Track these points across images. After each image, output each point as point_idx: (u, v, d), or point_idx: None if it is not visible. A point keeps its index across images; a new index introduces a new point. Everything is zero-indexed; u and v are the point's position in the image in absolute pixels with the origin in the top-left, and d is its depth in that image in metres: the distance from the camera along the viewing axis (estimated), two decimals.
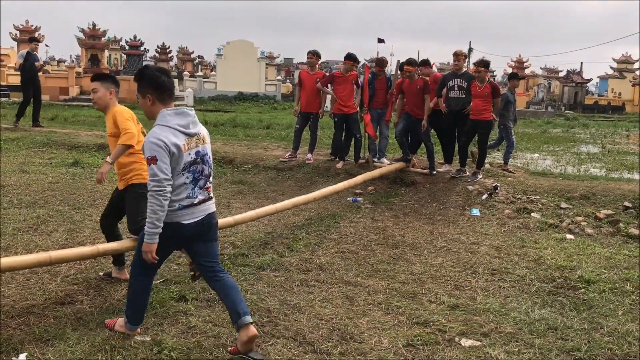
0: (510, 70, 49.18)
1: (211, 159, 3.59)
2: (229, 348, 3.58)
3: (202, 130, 3.54)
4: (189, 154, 3.37)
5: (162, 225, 3.33)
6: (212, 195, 3.58)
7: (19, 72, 13.31)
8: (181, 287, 4.52)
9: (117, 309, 4.10)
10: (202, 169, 3.46)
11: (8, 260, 3.75)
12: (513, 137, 9.79)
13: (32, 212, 6.55)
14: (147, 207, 3.30)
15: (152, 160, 3.24)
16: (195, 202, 3.43)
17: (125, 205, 4.53)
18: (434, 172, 8.78)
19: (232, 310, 3.51)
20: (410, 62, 8.83)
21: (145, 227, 3.35)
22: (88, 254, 4.25)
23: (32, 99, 13.04)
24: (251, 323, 3.48)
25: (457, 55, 8.70)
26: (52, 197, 7.31)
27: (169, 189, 3.27)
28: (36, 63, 12.89)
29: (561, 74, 51.31)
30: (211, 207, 3.56)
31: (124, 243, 4.37)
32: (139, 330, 3.72)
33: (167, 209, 3.30)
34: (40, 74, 13.47)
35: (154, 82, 3.44)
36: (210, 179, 3.55)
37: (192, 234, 3.47)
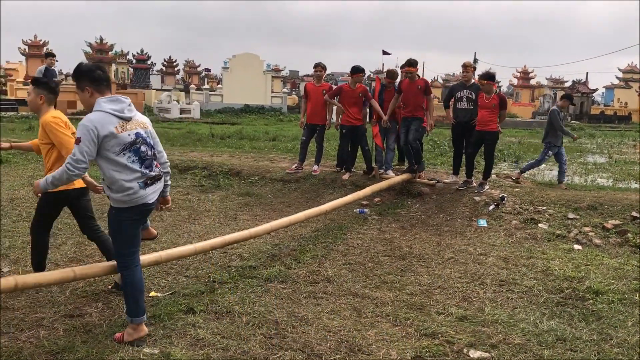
0: (515, 81, 49.27)
1: (157, 144, 3.94)
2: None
3: (141, 117, 3.88)
4: (129, 134, 3.67)
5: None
6: (160, 174, 3.93)
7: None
8: (189, 300, 4.53)
9: (126, 322, 4.11)
10: (145, 150, 3.76)
11: (33, 277, 3.79)
12: (560, 156, 9.76)
13: None
14: (57, 171, 3.69)
15: (77, 140, 3.55)
16: (152, 176, 3.79)
17: (80, 209, 4.84)
18: (415, 167, 8.73)
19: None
20: (411, 62, 8.75)
21: (46, 181, 3.76)
22: (110, 270, 4.22)
23: None
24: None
25: (466, 67, 8.75)
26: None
27: (79, 171, 3.60)
28: (54, 79, 12.95)
29: (567, 84, 51.28)
30: (162, 185, 3.97)
31: (146, 258, 4.41)
32: (145, 319, 3.88)
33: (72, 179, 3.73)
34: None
35: (91, 75, 3.74)
36: (155, 160, 3.90)
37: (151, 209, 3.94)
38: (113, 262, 4.06)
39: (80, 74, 3.75)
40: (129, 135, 3.66)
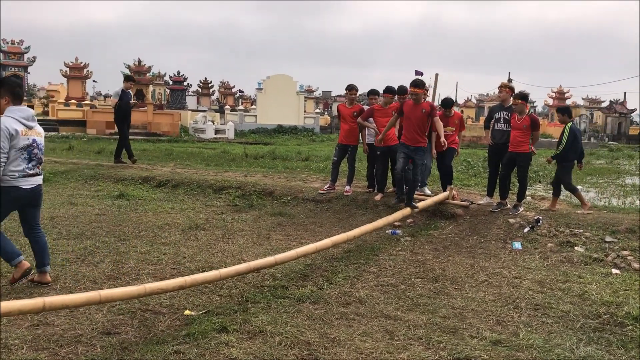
0: (550, 101, 48.61)
1: (43, 148, 5.13)
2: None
3: (39, 128, 5.10)
4: (27, 138, 4.91)
5: None
6: (41, 172, 5.16)
7: (113, 110, 13.57)
8: (223, 319, 4.58)
9: (161, 340, 4.19)
10: (36, 153, 5.01)
11: (60, 299, 3.96)
12: None
13: (79, 244, 6.77)
14: None
15: None
16: (30, 173, 4.99)
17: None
18: (403, 197, 8.31)
19: (38, 260, 5.29)
20: (416, 83, 8.01)
21: None
22: (135, 294, 4.38)
23: (121, 135, 13.45)
24: (48, 273, 5.35)
25: (503, 88, 8.72)
26: (98, 229, 7.54)
27: (3, 159, 4.75)
28: (130, 101, 13.25)
29: (604, 104, 50.41)
30: (40, 180, 5.16)
31: (171, 283, 4.56)
32: (21, 258, 5.22)
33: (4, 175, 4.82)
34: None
35: (13, 90, 4.95)
36: (42, 162, 5.13)
37: (27, 198, 5.05)
38: (139, 287, 4.37)
39: (4, 85, 4.93)
40: (27, 139, 4.91)
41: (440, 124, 8.14)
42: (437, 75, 9.51)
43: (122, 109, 13.06)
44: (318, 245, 6.08)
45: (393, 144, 9.09)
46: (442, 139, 8.10)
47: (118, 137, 13.84)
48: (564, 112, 8.70)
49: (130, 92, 13.49)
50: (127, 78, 13.75)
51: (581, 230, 7.49)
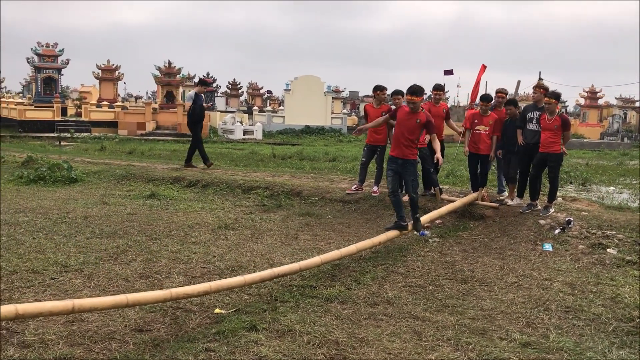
0: (582, 101, 47.77)
1: None
2: None
3: None
4: None
5: None
6: None
7: (187, 114, 13.30)
8: (252, 317, 4.64)
9: (192, 337, 4.27)
10: None
11: (89, 301, 4.11)
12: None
13: (112, 242, 6.91)
14: None
15: None
16: None
17: None
18: (404, 224, 7.09)
19: None
20: (414, 90, 6.91)
21: None
22: (162, 298, 4.49)
23: (194, 138, 13.17)
24: None
25: (537, 88, 8.65)
26: (130, 228, 7.68)
27: None
28: (202, 104, 13.04)
29: (638, 104, 49.31)
30: None
31: (196, 288, 4.67)
32: None
33: None
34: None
35: None
36: None
37: None
38: (165, 292, 4.48)
39: None
40: None
41: (437, 142, 7.25)
42: (519, 82, 9.46)
43: (197, 113, 12.82)
44: (342, 251, 6.13)
45: (422, 146, 9.03)
46: (438, 154, 7.15)
47: (191, 140, 13.42)
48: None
49: (202, 95, 13.27)
50: (201, 82, 13.67)
51: (614, 232, 7.36)
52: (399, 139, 7.04)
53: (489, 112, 9.08)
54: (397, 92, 9.46)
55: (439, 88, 9.58)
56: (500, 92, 9.34)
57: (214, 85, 39.49)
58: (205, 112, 13.57)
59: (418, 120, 6.96)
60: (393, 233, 7.04)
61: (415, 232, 7.73)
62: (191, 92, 13.45)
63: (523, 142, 8.49)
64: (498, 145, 8.94)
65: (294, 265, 5.51)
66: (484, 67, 10.19)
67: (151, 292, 4.62)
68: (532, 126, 8.40)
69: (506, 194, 9.22)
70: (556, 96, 8.16)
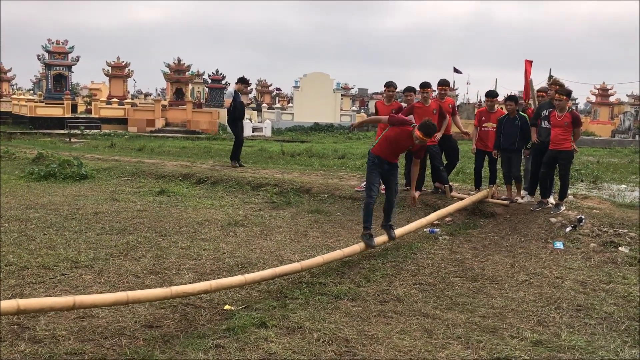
0: (593, 98, 47.39)
1: None
2: None
3: None
4: None
5: None
6: None
7: (227, 111, 13.06)
8: (262, 314, 4.64)
9: (201, 334, 4.27)
10: None
11: (90, 298, 4.22)
12: None
13: (122, 239, 6.94)
14: None
15: None
16: None
17: None
18: (392, 233, 6.75)
19: None
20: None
21: None
22: (162, 296, 4.53)
23: (236, 136, 13.09)
24: None
25: (553, 85, 8.60)
26: (140, 224, 7.71)
27: None
28: (241, 101, 12.82)
29: None
30: None
31: (197, 286, 4.69)
32: None
33: None
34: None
35: None
36: None
37: None
38: (165, 290, 4.52)
39: None
40: None
41: (456, 123, 8.20)
42: (531, 80, 9.37)
43: (238, 109, 12.65)
44: (345, 251, 6.12)
45: (430, 143, 8.97)
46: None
47: (234, 139, 13.29)
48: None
49: (239, 93, 13.07)
50: (240, 80, 13.51)
51: (625, 230, 7.30)
52: (395, 148, 6.44)
53: (496, 108, 9.12)
54: (409, 89, 9.39)
55: (444, 83, 9.50)
56: (541, 91, 9.20)
57: (223, 82, 39.47)
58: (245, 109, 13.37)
59: (411, 147, 6.45)
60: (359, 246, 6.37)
61: (425, 230, 7.70)
62: (230, 89, 13.30)
63: (537, 140, 8.42)
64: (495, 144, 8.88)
65: (295, 265, 5.53)
66: (529, 63, 9.94)
67: (151, 290, 4.69)
68: (546, 124, 8.33)
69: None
70: (567, 93, 8.09)
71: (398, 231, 6.95)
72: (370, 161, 6.51)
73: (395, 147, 6.48)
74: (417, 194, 9.09)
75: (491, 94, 9.33)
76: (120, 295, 4.30)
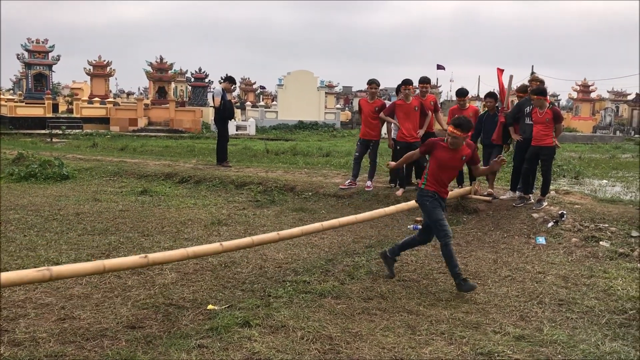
0: (574, 94, 47.89)
1: None
2: None
3: None
4: None
5: None
6: None
7: (215, 110, 12.92)
8: (245, 313, 4.62)
9: (184, 334, 4.24)
10: None
11: (67, 268, 4.24)
12: None
13: (104, 239, 6.87)
14: None
15: None
16: None
17: None
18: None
19: None
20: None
21: None
22: (138, 264, 4.59)
23: (220, 135, 13.05)
24: None
25: (533, 82, 8.67)
26: (122, 225, 7.64)
27: None
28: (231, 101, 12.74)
29: (630, 97, 49.47)
30: None
31: (174, 253, 4.78)
32: None
33: None
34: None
35: None
36: None
37: None
38: (142, 257, 4.50)
39: None
40: None
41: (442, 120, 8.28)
42: (511, 76, 9.41)
43: (227, 107, 12.57)
44: (325, 224, 6.18)
45: (414, 141, 9.00)
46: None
47: (218, 138, 13.27)
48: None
49: (226, 92, 13.00)
50: (228, 79, 13.34)
51: (606, 225, 7.38)
52: (440, 179, 5.66)
53: (467, 105, 9.31)
54: (407, 82, 9.29)
55: (425, 81, 9.52)
56: (520, 91, 9.11)
57: (206, 80, 39.26)
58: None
59: (463, 157, 5.66)
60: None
61: (409, 227, 7.74)
62: (218, 88, 13.21)
63: (521, 137, 8.45)
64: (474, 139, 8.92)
65: (273, 234, 5.63)
66: (500, 71, 9.94)
67: (128, 258, 4.74)
68: (529, 120, 8.38)
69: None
70: (540, 92, 8.10)
71: (372, 213, 6.96)
72: (429, 198, 5.67)
73: (450, 174, 5.79)
74: (401, 191, 9.14)
75: (461, 93, 9.41)
76: (97, 264, 4.31)
